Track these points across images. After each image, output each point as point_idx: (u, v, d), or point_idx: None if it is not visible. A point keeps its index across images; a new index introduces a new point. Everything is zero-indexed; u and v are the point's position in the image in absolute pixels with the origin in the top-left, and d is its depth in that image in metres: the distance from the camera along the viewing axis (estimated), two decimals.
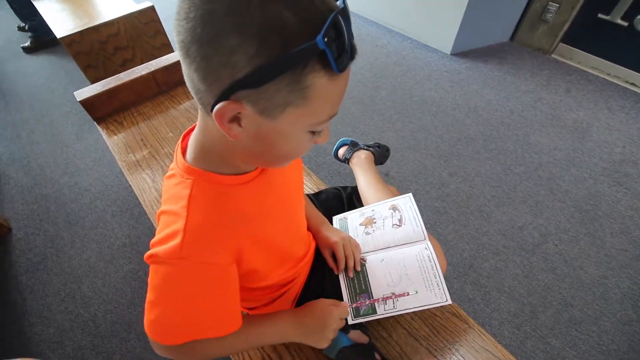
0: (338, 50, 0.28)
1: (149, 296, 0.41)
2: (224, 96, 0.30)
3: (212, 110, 0.31)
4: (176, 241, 0.38)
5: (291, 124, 0.33)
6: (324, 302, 0.56)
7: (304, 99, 0.31)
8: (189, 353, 0.46)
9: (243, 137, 0.34)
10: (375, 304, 0.62)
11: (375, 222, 0.73)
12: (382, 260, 0.67)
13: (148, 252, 0.40)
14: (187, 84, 0.33)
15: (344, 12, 0.29)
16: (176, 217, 0.39)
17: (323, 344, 0.55)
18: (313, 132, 0.36)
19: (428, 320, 0.70)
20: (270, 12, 0.26)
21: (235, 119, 0.32)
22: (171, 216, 0.40)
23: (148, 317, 0.41)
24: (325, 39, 0.27)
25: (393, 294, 0.62)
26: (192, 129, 0.43)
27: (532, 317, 1.15)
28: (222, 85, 0.29)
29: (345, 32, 0.28)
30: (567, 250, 1.30)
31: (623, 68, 1.90)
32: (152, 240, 0.41)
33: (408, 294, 0.62)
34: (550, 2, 1.97)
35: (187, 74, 0.32)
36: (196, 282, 0.40)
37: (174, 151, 1.09)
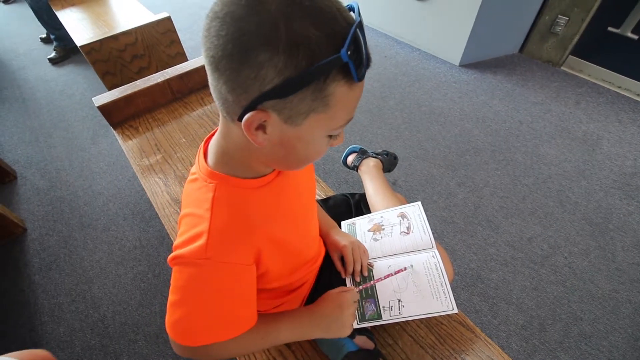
0: (358, 61, 0.30)
1: (172, 297, 0.42)
2: (251, 106, 0.32)
3: (239, 119, 0.34)
4: (201, 242, 0.39)
5: (312, 129, 0.35)
6: (333, 291, 0.58)
7: (326, 106, 0.33)
8: (208, 354, 0.47)
9: (267, 144, 0.36)
10: (381, 310, 0.63)
11: (383, 229, 0.74)
12: (389, 266, 0.68)
13: (172, 254, 0.41)
14: (214, 95, 0.35)
15: (360, 24, 0.31)
16: (200, 219, 0.41)
17: (346, 331, 0.56)
18: (330, 136, 0.39)
19: (434, 329, 0.70)
20: (296, 29, 0.28)
21: (261, 127, 0.34)
22: (195, 218, 0.42)
23: (171, 318, 0.42)
24: (348, 52, 0.29)
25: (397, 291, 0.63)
26: (213, 135, 0.45)
27: (541, 330, 1.14)
28: (250, 96, 0.32)
29: (363, 44, 0.30)
30: (577, 263, 1.29)
31: (634, 81, 1.89)
32: (175, 243, 0.42)
33: (405, 269, 0.64)
34: (559, 15, 1.98)
35: (215, 86, 0.34)
36: (219, 281, 0.42)
37: (186, 156, 1.12)
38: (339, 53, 0.29)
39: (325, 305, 0.56)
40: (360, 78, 0.32)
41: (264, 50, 0.29)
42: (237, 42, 0.29)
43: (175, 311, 0.42)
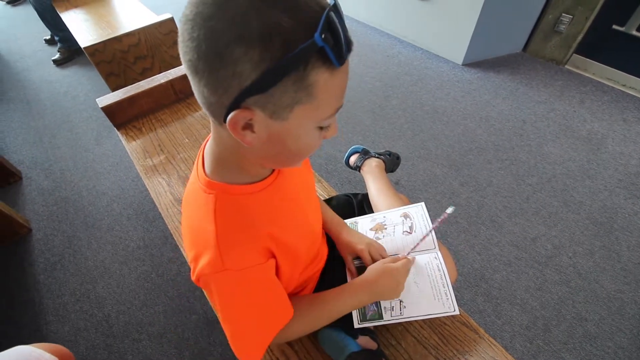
0: (336, 45, 0.30)
1: (219, 316, 0.45)
2: (234, 105, 0.32)
3: (224, 121, 0.33)
4: (212, 256, 0.40)
5: (300, 122, 0.35)
6: (386, 264, 0.61)
7: (310, 96, 0.32)
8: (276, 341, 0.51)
9: (257, 143, 0.36)
10: (382, 310, 0.62)
11: (385, 228, 0.74)
12: None
13: (194, 275, 0.43)
14: (198, 99, 0.35)
15: (335, 8, 0.30)
16: (206, 232, 0.41)
17: (397, 297, 0.62)
18: (321, 128, 0.38)
19: (437, 329, 0.69)
20: (267, 19, 0.28)
21: (248, 126, 0.34)
22: (201, 231, 0.42)
23: (228, 336, 0.46)
24: (323, 36, 0.28)
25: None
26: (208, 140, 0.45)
27: (545, 331, 1.13)
28: (231, 95, 0.31)
29: (339, 27, 0.29)
30: (581, 263, 1.28)
31: (639, 79, 1.87)
32: (190, 258, 0.44)
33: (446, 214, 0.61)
34: (563, 14, 1.96)
35: (198, 89, 0.33)
36: (246, 286, 0.43)
37: (189, 156, 1.12)
38: (313, 38, 0.28)
39: (385, 282, 0.60)
40: (341, 62, 0.31)
41: (238, 45, 0.28)
42: (210, 41, 0.29)
43: (227, 329, 0.46)
